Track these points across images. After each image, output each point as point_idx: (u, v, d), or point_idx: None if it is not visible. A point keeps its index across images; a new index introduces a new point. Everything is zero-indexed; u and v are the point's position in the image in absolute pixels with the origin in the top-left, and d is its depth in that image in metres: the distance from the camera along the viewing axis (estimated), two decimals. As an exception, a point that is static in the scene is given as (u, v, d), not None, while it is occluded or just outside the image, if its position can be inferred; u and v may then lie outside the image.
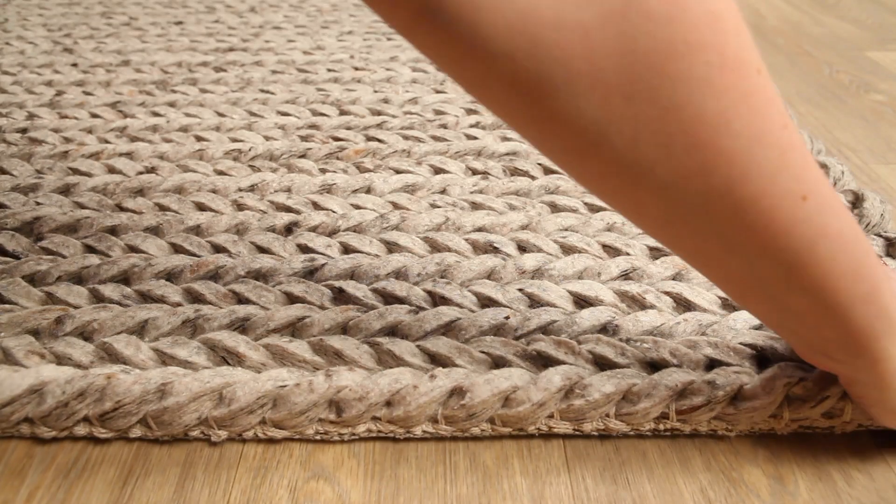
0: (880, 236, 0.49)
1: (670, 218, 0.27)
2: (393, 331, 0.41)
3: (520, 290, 0.44)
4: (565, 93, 0.23)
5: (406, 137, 0.62)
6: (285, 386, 0.37)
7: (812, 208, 0.26)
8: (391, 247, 0.48)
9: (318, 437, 0.37)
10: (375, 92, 0.71)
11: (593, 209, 0.52)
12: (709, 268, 0.30)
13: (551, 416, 0.37)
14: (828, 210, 0.27)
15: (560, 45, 0.22)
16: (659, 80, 0.23)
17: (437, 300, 0.43)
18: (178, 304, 0.43)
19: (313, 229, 0.50)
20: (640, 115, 0.23)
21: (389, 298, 0.44)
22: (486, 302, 0.43)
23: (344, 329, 0.41)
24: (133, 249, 0.48)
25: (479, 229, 0.50)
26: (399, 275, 0.46)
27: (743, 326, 0.41)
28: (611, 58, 0.22)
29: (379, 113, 0.67)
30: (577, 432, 0.37)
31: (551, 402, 0.37)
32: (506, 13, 0.21)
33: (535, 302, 0.43)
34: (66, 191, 0.55)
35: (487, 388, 0.36)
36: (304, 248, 0.48)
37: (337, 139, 0.62)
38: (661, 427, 0.37)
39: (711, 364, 0.39)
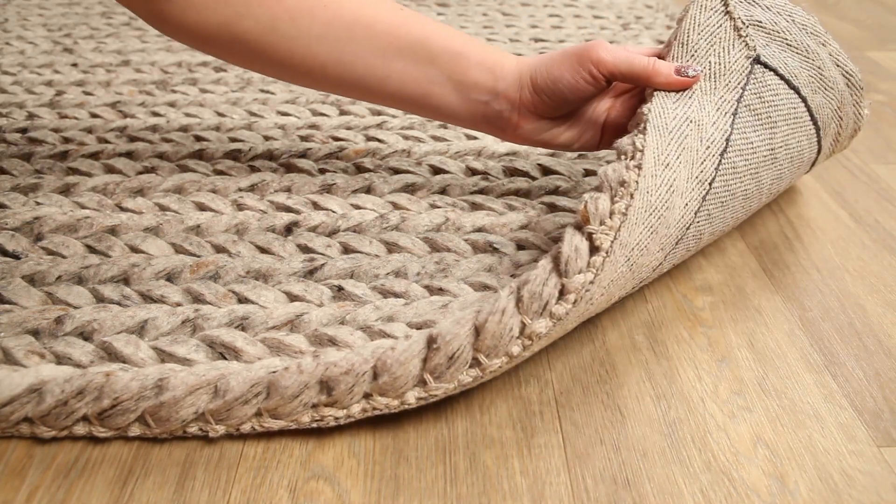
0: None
1: (336, 55, 0.43)
2: (389, 319, 0.41)
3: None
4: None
5: (406, 137, 0.62)
6: (276, 371, 0.37)
7: (408, 12, 0.44)
8: (391, 247, 0.48)
9: (314, 425, 0.37)
10: (375, 92, 0.71)
11: (593, 209, 0.52)
12: (384, 79, 0.45)
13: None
14: (418, 13, 0.45)
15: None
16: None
17: (434, 293, 0.43)
18: (178, 304, 0.43)
19: (313, 229, 0.50)
20: (278, 7, 0.42)
21: (388, 295, 0.44)
22: (481, 289, 0.43)
23: (341, 323, 0.42)
24: (133, 249, 0.48)
25: (479, 229, 0.50)
26: (398, 274, 0.46)
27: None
28: None
29: (379, 113, 0.67)
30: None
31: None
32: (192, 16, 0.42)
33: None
34: (66, 191, 0.55)
35: (457, 325, 0.36)
36: (303, 248, 0.48)
37: (337, 139, 0.62)
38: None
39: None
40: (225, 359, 0.39)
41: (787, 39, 0.45)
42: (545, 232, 0.50)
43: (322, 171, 0.57)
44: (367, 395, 0.37)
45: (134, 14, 0.42)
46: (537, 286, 0.36)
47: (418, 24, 0.44)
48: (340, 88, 0.47)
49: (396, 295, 0.43)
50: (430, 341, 0.36)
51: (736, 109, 0.42)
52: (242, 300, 0.43)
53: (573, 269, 0.36)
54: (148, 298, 0.44)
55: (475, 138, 0.62)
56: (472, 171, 0.58)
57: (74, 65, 0.77)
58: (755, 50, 0.44)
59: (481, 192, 0.55)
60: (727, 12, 0.45)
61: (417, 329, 0.39)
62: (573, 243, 0.37)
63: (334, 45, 0.43)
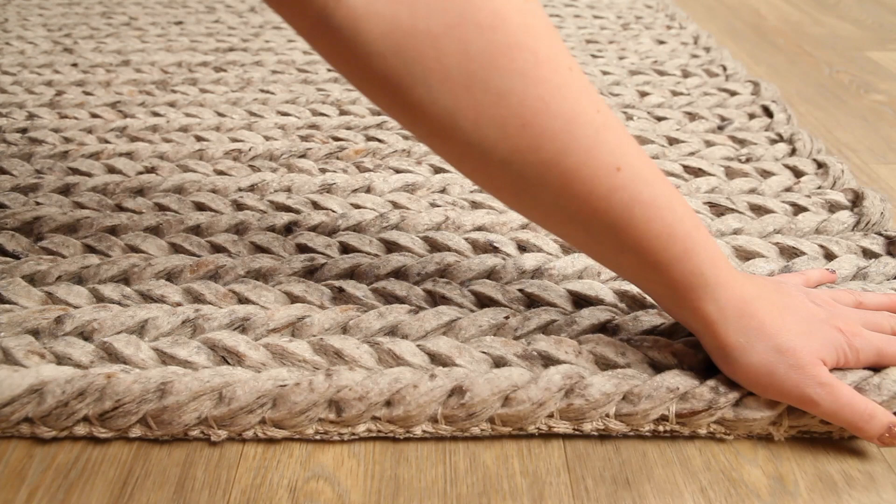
0: (881, 235, 0.49)
1: (517, 190, 0.33)
2: (393, 330, 0.41)
3: (520, 289, 0.44)
4: (421, 85, 0.30)
5: (406, 137, 0.62)
6: (285, 385, 0.37)
7: (626, 177, 0.32)
8: (391, 246, 0.48)
9: (318, 437, 0.37)
10: (375, 92, 0.71)
11: (593, 209, 0.52)
12: (561, 234, 0.36)
13: (551, 416, 0.37)
14: (640, 179, 0.32)
15: (415, 48, 0.29)
16: (489, 73, 0.29)
17: (438, 300, 0.43)
18: (178, 304, 0.43)
19: (313, 229, 0.50)
20: (479, 102, 0.30)
21: (389, 298, 0.44)
22: (486, 301, 0.43)
23: (344, 329, 0.42)
24: (133, 249, 0.48)
25: (479, 228, 0.50)
26: (399, 274, 0.46)
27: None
28: (453, 57, 0.29)
29: (379, 113, 0.67)
30: (576, 432, 0.37)
31: (551, 402, 0.37)
32: (378, 23, 0.28)
33: (534, 301, 0.43)
34: (66, 191, 0.55)
35: (487, 388, 0.36)
36: (303, 248, 0.48)
37: (337, 139, 0.62)
38: (661, 428, 0.37)
39: (710, 365, 0.39)
40: (227, 363, 0.39)
41: None
42: (545, 231, 0.50)
43: (322, 171, 0.57)
44: (375, 418, 0.37)
45: (293, 26, 0.31)
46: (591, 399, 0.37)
47: (626, 201, 0.32)
48: (524, 216, 0.38)
49: (398, 299, 0.43)
50: (457, 392, 0.37)
51: None
52: (243, 300, 0.43)
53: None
54: (148, 298, 0.44)
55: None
56: (472, 171, 0.58)
57: (74, 65, 0.77)
58: None
59: (481, 190, 0.55)
60: None
61: (429, 355, 0.39)
62: None
63: (516, 180, 0.32)
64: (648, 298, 0.43)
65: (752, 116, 0.66)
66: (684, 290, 0.35)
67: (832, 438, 0.38)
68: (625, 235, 0.33)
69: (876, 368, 0.37)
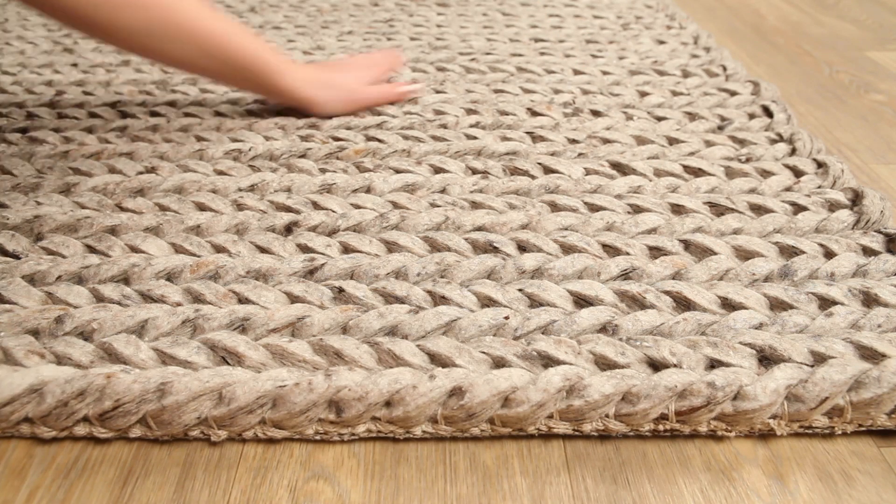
0: (880, 232, 0.49)
1: (161, 46, 0.53)
2: (393, 331, 0.41)
3: (520, 289, 0.44)
4: None
5: (406, 137, 0.62)
6: (285, 386, 0.37)
7: (221, 22, 0.56)
8: (391, 246, 0.48)
9: (317, 437, 0.37)
10: (375, 92, 0.71)
11: (593, 209, 0.52)
12: (200, 70, 0.59)
13: (551, 417, 0.37)
14: (229, 22, 0.57)
15: None
16: None
17: (437, 300, 0.43)
18: (178, 304, 0.43)
19: (313, 229, 0.50)
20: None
21: (389, 298, 0.44)
22: (486, 302, 0.43)
23: (344, 329, 0.42)
24: (133, 249, 0.48)
25: (479, 229, 0.50)
26: (399, 274, 0.46)
27: (743, 326, 0.41)
28: None
29: (379, 113, 0.67)
30: (576, 432, 0.37)
31: (551, 403, 0.37)
32: None
33: (534, 302, 0.43)
34: (66, 191, 0.55)
35: (487, 389, 0.36)
36: (303, 248, 0.48)
37: (337, 139, 0.62)
38: (661, 427, 0.37)
39: (711, 364, 0.39)
40: (227, 363, 0.39)
41: None
42: (546, 231, 0.50)
43: (322, 171, 0.57)
44: (374, 418, 0.37)
45: None
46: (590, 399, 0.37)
47: (223, 35, 0.56)
48: (163, 64, 0.63)
49: (398, 299, 0.43)
50: (456, 392, 0.37)
51: None
52: (243, 300, 0.43)
53: None
54: (148, 298, 0.44)
55: (475, 138, 0.62)
56: (472, 171, 0.58)
57: (74, 65, 0.77)
58: None
59: (481, 191, 0.55)
60: None
61: (429, 355, 0.39)
62: None
63: (161, 40, 0.52)
64: (648, 298, 0.43)
65: (752, 116, 0.66)
66: (271, 76, 0.61)
67: (834, 434, 0.38)
68: (228, 54, 0.57)
69: (873, 360, 0.37)
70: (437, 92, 0.71)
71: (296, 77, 0.62)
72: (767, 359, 0.39)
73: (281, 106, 0.68)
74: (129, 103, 0.69)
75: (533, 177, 0.57)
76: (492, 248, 0.48)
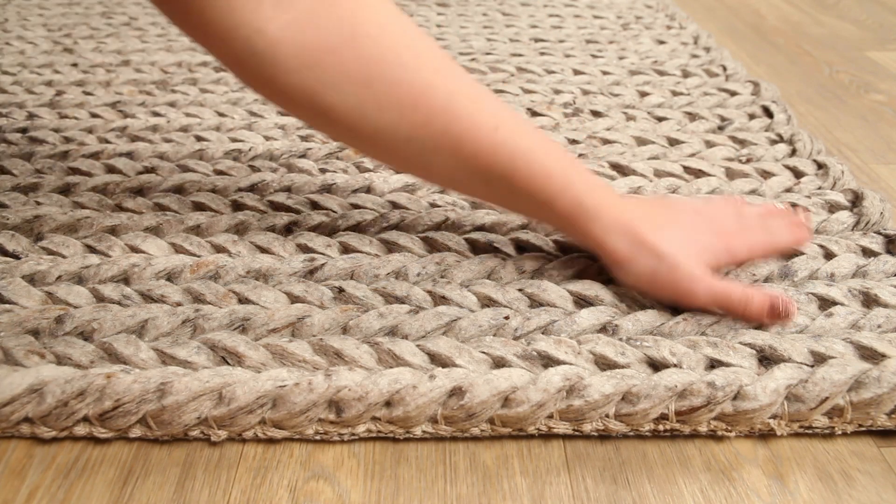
0: (880, 234, 0.49)
1: (423, 160, 0.40)
2: (393, 331, 0.41)
3: (520, 289, 0.44)
4: (331, 89, 0.37)
5: (406, 137, 0.62)
6: (285, 386, 0.37)
7: (504, 134, 0.39)
8: (391, 246, 0.48)
9: (317, 437, 0.37)
10: (375, 92, 0.71)
11: (593, 209, 0.52)
12: (467, 190, 0.44)
13: (551, 417, 0.37)
14: (517, 134, 0.40)
15: (322, 60, 0.37)
16: (382, 69, 0.37)
17: (437, 300, 0.43)
18: (178, 304, 0.43)
19: (313, 229, 0.50)
20: (377, 93, 0.37)
21: (389, 298, 0.44)
22: (486, 302, 0.43)
23: (344, 329, 0.42)
24: (133, 249, 0.48)
25: (479, 228, 0.50)
26: (399, 274, 0.46)
27: (743, 326, 0.41)
28: (353, 62, 0.37)
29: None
30: (576, 432, 0.37)
31: (551, 403, 0.37)
32: (291, 45, 0.36)
33: (534, 302, 0.43)
34: (66, 190, 0.55)
35: (487, 389, 0.36)
36: (303, 248, 0.48)
37: (337, 139, 0.62)
38: (661, 427, 0.37)
39: (711, 364, 0.39)
40: (227, 363, 0.39)
41: None
42: (545, 232, 0.50)
43: (322, 171, 0.57)
44: (374, 418, 0.37)
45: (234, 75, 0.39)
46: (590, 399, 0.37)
47: (508, 153, 0.40)
48: (430, 182, 0.50)
49: (398, 299, 0.43)
50: (456, 392, 0.37)
51: None
52: (243, 300, 0.43)
53: None
54: (148, 298, 0.44)
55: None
56: (472, 171, 0.58)
57: (74, 65, 0.77)
58: None
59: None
60: None
61: (429, 355, 0.39)
62: None
63: (420, 152, 0.40)
64: (648, 299, 0.43)
65: (752, 117, 0.66)
66: (572, 217, 0.42)
67: (834, 434, 0.38)
68: (513, 180, 0.40)
69: (872, 360, 0.37)
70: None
71: (610, 227, 0.41)
72: (767, 359, 0.39)
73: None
74: (129, 103, 0.69)
75: (533, 177, 0.57)
76: (492, 248, 0.48)
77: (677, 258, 0.41)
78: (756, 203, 0.49)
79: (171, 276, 0.46)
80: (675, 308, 0.43)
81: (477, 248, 0.48)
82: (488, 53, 0.80)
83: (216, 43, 0.37)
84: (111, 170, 0.58)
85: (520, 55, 0.80)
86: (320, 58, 0.36)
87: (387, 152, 0.41)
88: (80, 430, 0.37)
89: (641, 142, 0.62)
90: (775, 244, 0.46)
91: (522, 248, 0.48)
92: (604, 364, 0.39)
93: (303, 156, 0.60)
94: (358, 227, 0.50)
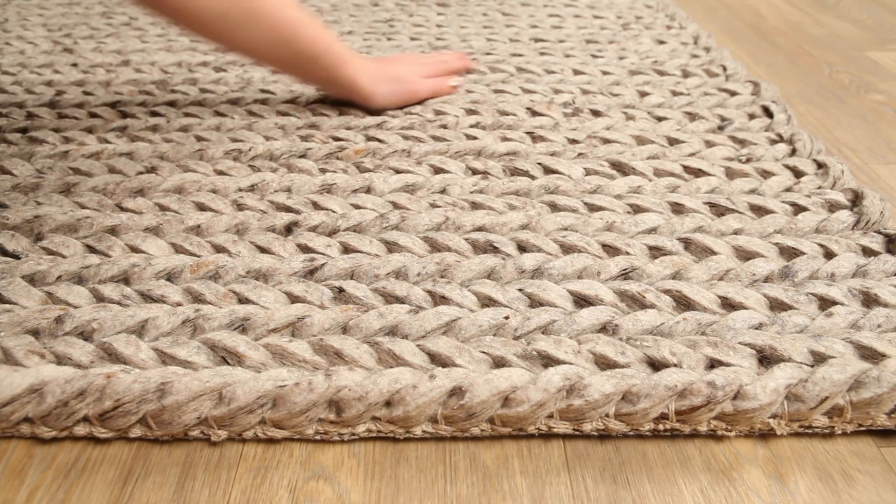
0: (880, 233, 0.49)
1: (234, 33, 0.55)
2: (393, 330, 0.41)
3: (519, 289, 0.44)
4: None
5: (406, 137, 0.62)
6: (285, 385, 0.37)
7: (292, 10, 0.57)
8: (391, 246, 0.48)
9: (317, 437, 0.37)
10: (375, 92, 0.71)
11: (593, 209, 0.52)
12: (267, 59, 0.60)
13: (551, 416, 0.37)
14: (298, 11, 0.58)
15: None
16: None
17: (437, 300, 0.43)
18: (178, 304, 0.43)
19: (313, 229, 0.50)
20: None
21: (389, 298, 0.44)
22: (486, 302, 0.43)
23: (344, 329, 0.42)
24: (133, 249, 0.48)
25: (479, 229, 0.50)
26: (399, 274, 0.46)
27: (742, 326, 0.41)
28: None
29: (379, 113, 0.67)
30: (576, 432, 0.37)
31: (551, 403, 0.37)
32: None
33: (534, 302, 0.43)
34: (66, 190, 0.55)
35: (487, 388, 0.36)
36: (303, 248, 0.48)
37: (337, 139, 0.62)
38: (661, 427, 0.37)
39: (711, 364, 0.39)
40: (227, 363, 0.39)
41: None
42: (545, 231, 0.50)
43: (322, 171, 0.57)
44: (375, 418, 0.37)
45: None
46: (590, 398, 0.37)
47: (292, 23, 0.57)
48: (232, 52, 0.60)
49: (398, 299, 0.43)
50: (456, 392, 0.37)
51: None
52: (243, 300, 0.43)
53: None
54: (148, 298, 0.44)
55: (475, 138, 0.62)
56: (473, 171, 0.58)
57: (74, 65, 0.77)
58: None
59: (481, 191, 0.55)
60: None
61: (429, 355, 0.39)
62: None
63: (232, 26, 0.54)
64: (648, 298, 0.43)
65: (752, 117, 0.66)
66: (334, 66, 0.62)
67: (834, 433, 0.38)
68: (297, 42, 0.59)
69: (872, 360, 0.37)
70: (437, 92, 0.71)
71: (357, 69, 0.63)
72: (767, 359, 0.39)
73: (280, 105, 0.68)
74: (129, 103, 0.69)
75: (533, 177, 0.57)
76: (492, 248, 0.48)
77: (404, 74, 0.67)
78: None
79: (171, 276, 0.46)
80: (675, 308, 0.43)
81: (477, 248, 0.48)
82: (488, 53, 0.80)
83: None
84: (111, 170, 0.58)
85: (520, 55, 0.80)
86: None
87: (206, 28, 0.54)
88: (80, 430, 0.37)
89: (641, 141, 0.62)
90: (444, 65, 0.72)
91: (522, 248, 0.48)
92: (604, 364, 0.39)
93: (303, 156, 0.60)
94: (358, 228, 0.50)
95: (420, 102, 0.69)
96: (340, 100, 0.68)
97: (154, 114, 0.67)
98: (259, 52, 0.58)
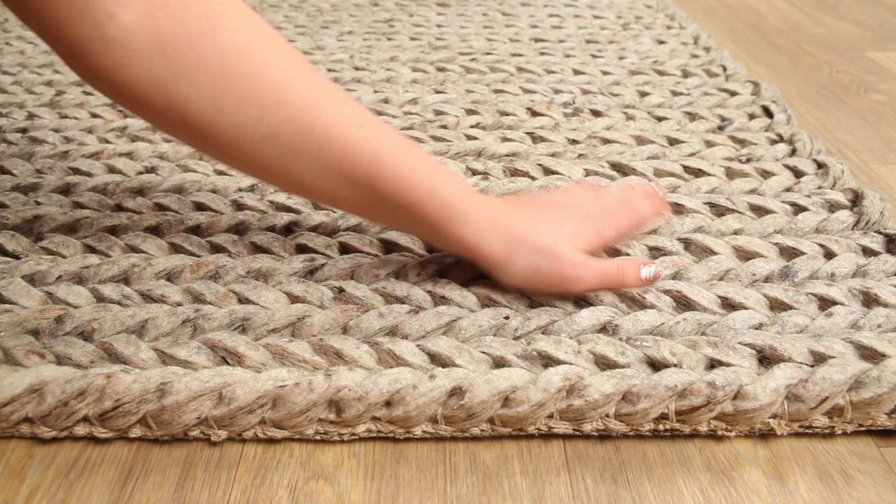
0: (880, 233, 0.49)
1: (284, 162, 0.38)
2: (393, 331, 0.41)
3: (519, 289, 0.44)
4: (186, 81, 0.35)
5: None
6: (285, 385, 0.37)
7: (369, 132, 0.38)
8: (391, 246, 0.48)
9: (317, 437, 0.37)
10: (375, 92, 0.71)
11: (593, 209, 0.52)
12: (331, 197, 0.40)
13: (551, 417, 0.37)
14: (382, 132, 0.39)
15: (177, 50, 0.34)
16: (242, 62, 0.35)
17: (437, 300, 0.43)
18: (178, 304, 0.43)
19: (313, 229, 0.50)
20: (237, 87, 0.35)
21: (389, 298, 0.44)
22: (486, 302, 0.43)
23: (344, 329, 0.42)
24: (133, 249, 0.48)
25: (479, 229, 0.50)
26: (399, 274, 0.46)
27: (742, 326, 0.41)
28: (210, 54, 0.35)
29: (379, 113, 0.67)
30: (576, 432, 0.37)
31: (551, 403, 0.37)
32: (145, 34, 0.34)
33: (534, 302, 0.43)
34: (66, 190, 0.55)
35: (487, 389, 0.36)
36: (303, 248, 0.48)
37: (337, 139, 0.62)
38: (661, 427, 0.37)
39: (711, 364, 0.39)
40: (227, 363, 0.39)
41: None
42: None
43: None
44: (375, 418, 0.37)
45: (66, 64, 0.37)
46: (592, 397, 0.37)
47: (371, 153, 0.38)
48: (290, 191, 0.45)
49: (398, 299, 0.43)
50: (456, 392, 0.37)
51: None
52: (243, 300, 0.43)
53: None
54: (148, 298, 0.44)
55: (476, 139, 0.62)
56: (473, 172, 0.58)
57: (74, 65, 0.77)
58: None
59: (481, 192, 0.55)
60: None
61: (429, 355, 0.39)
62: None
63: (280, 154, 0.37)
64: (648, 298, 0.43)
65: (752, 117, 0.66)
66: (441, 222, 0.40)
67: (834, 433, 0.38)
68: (378, 182, 0.38)
69: (872, 360, 0.37)
70: (437, 92, 0.71)
71: (479, 229, 0.41)
72: (767, 359, 0.39)
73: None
74: (129, 103, 0.68)
75: (533, 178, 0.57)
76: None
77: (556, 247, 0.41)
78: (610, 185, 0.53)
79: (171, 276, 0.46)
80: (675, 308, 0.43)
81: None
82: (488, 53, 0.80)
83: (58, 26, 0.35)
84: (111, 170, 0.58)
85: (520, 55, 0.80)
86: (176, 47, 0.34)
87: (246, 156, 0.38)
88: (80, 430, 0.37)
89: (641, 141, 0.62)
90: (637, 218, 0.47)
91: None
92: (604, 364, 0.39)
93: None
94: (358, 228, 0.50)
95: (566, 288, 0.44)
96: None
97: (154, 114, 0.67)
98: (326, 192, 0.39)
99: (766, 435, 0.38)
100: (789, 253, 0.48)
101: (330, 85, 0.39)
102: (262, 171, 0.39)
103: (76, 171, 0.57)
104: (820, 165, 0.57)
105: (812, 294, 0.44)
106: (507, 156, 0.60)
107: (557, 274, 0.41)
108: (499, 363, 0.39)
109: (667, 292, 0.44)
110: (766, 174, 0.57)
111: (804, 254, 0.47)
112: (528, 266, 0.41)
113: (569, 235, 0.42)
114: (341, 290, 0.44)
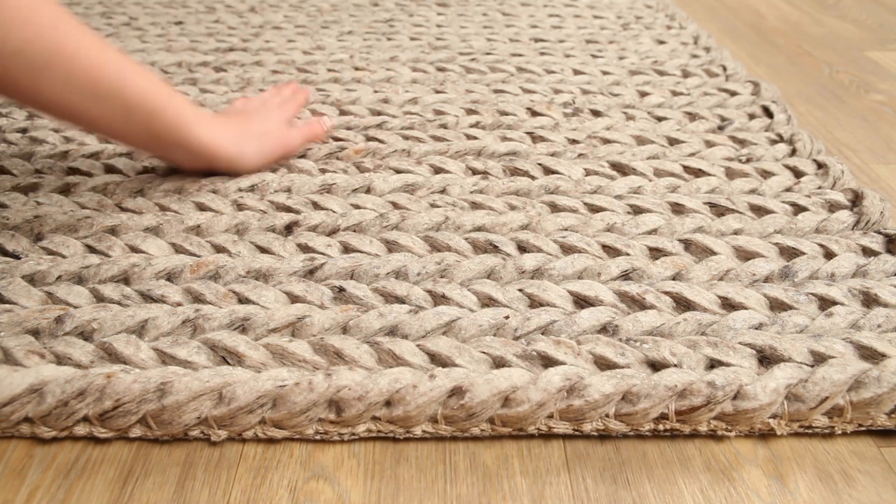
0: (880, 233, 0.49)
1: (32, 78, 0.40)
2: (393, 330, 0.41)
3: (520, 289, 0.44)
4: None
5: (406, 137, 0.62)
6: (285, 385, 0.37)
7: (112, 53, 0.43)
8: (391, 246, 0.48)
9: (317, 437, 0.37)
10: (375, 92, 0.71)
11: (593, 209, 0.52)
12: (77, 113, 0.44)
13: (551, 417, 0.37)
14: (122, 54, 0.44)
15: None
16: None
17: (437, 300, 0.43)
18: (178, 304, 0.43)
19: (313, 229, 0.50)
20: None
21: (389, 298, 0.44)
22: (486, 301, 0.43)
23: (344, 329, 0.42)
24: (133, 249, 0.48)
25: (479, 229, 0.50)
26: (399, 274, 0.46)
27: (742, 326, 0.41)
28: None
29: (379, 113, 0.67)
30: (576, 432, 0.37)
31: (551, 403, 0.37)
32: None
33: (535, 302, 0.43)
34: (66, 190, 0.55)
35: (487, 388, 0.36)
36: (303, 248, 0.48)
37: (337, 139, 0.62)
38: (661, 427, 0.37)
39: (711, 364, 0.39)
40: (227, 363, 0.39)
41: None
42: (546, 232, 0.50)
43: (322, 171, 0.57)
44: (375, 418, 0.37)
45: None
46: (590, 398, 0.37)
47: (117, 69, 0.43)
48: (36, 108, 0.46)
49: (398, 299, 0.43)
50: (456, 392, 0.37)
51: None
52: (243, 300, 0.43)
53: None
54: (148, 298, 0.44)
55: (475, 138, 0.62)
56: (473, 171, 0.58)
57: (74, 65, 0.77)
58: None
59: (481, 191, 0.55)
60: None
61: (429, 355, 0.39)
62: None
63: (28, 69, 0.40)
64: (648, 299, 0.43)
65: (752, 117, 0.66)
66: (182, 125, 0.48)
67: (834, 433, 0.38)
68: (125, 94, 0.44)
69: (872, 360, 0.37)
70: (437, 92, 0.71)
71: (212, 129, 0.50)
72: (767, 359, 0.39)
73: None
74: (129, 103, 0.68)
75: (533, 177, 0.57)
76: (492, 248, 0.48)
77: (268, 126, 0.55)
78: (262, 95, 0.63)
79: (171, 276, 0.46)
80: (675, 309, 0.43)
81: (477, 248, 0.48)
82: (488, 53, 0.80)
83: None
84: (111, 170, 0.58)
85: (520, 55, 0.80)
86: None
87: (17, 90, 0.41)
88: (80, 430, 0.37)
89: (641, 141, 0.62)
90: (295, 105, 0.61)
91: (523, 248, 0.48)
92: (604, 364, 0.39)
93: (303, 156, 0.60)
94: (358, 227, 0.50)
95: (303, 155, 0.59)
96: (200, 171, 0.55)
97: (154, 114, 0.67)
98: (73, 108, 0.43)
99: (766, 435, 0.38)
100: (789, 253, 0.48)
101: (74, 17, 0.42)
102: (10, 87, 0.42)
103: (76, 171, 0.57)
104: (820, 165, 0.57)
105: (812, 294, 0.44)
106: (507, 155, 0.60)
107: (279, 144, 0.56)
108: (499, 363, 0.39)
109: (667, 293, 0.44)
110: (766, 174, 0.57)
111: (804, 254, 0.47)
112: (255, 150, 0.54)
113: (271, 119, 0.57)
114: (341, 290, 0.44)
